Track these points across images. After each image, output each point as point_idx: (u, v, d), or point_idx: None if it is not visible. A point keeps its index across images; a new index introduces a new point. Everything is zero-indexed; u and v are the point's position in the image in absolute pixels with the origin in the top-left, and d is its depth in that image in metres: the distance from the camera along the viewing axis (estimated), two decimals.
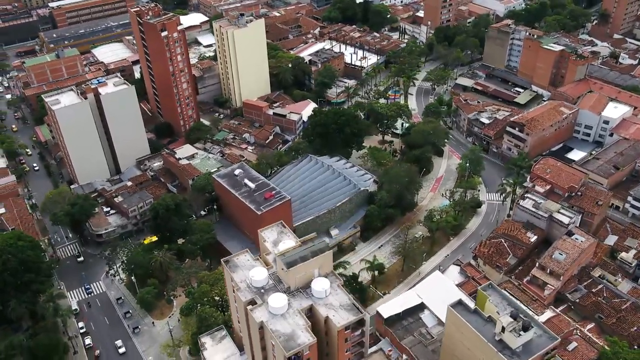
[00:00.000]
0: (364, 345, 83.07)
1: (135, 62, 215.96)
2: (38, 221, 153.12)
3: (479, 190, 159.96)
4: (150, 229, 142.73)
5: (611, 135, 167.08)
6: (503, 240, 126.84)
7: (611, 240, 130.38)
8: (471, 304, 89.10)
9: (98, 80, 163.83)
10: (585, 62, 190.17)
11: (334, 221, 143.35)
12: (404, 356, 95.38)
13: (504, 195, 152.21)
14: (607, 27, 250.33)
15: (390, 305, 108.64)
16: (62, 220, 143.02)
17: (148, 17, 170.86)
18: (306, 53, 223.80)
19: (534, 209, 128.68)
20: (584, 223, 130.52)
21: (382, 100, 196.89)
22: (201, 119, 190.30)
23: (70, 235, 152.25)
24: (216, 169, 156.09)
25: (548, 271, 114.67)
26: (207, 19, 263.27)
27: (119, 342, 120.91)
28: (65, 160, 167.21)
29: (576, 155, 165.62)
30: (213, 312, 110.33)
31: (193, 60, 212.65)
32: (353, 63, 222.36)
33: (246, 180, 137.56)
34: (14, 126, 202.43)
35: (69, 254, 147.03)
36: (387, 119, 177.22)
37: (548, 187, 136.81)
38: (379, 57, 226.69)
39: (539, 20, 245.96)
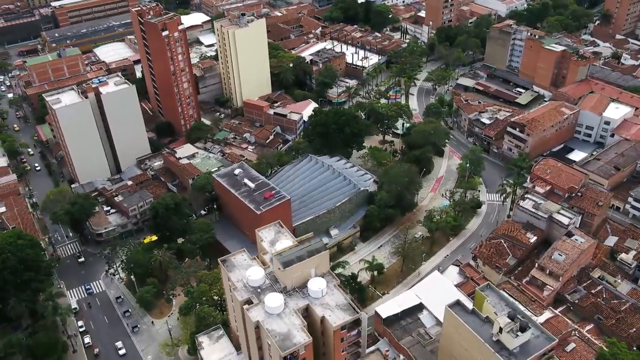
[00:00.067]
0: (360, 345, 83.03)
1: (137, 62, 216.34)
2: (38, 220, 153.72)
3: (479, 191, 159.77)
4: (150, 228, 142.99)
5: (612, 136, 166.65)
6: (503, 241, 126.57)
7: (611, 241, 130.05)
8: (469, 305, 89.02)
9: (99, 80, 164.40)
10: (587, 63, 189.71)
11: (333, 221, 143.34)
12: (402, 356, 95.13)
13: (504, 195, 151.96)
14: (610, 28, 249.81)
15: (388, 306, 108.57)
16: (62, 219, 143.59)
17: (149, 16, 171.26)
18: (307, 53, 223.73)
19: (533, 210, 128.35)
20: (584, 224, 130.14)
21: (383, 100, 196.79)
22: (202, 119, 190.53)
23: (71, 234, 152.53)
24: (216, 169, 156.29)
25: (547, 272, 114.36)
26: (208, 18, 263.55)
27: (119, 344, 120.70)
28: (66, 159, 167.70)
29: (577, 155, 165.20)
30: (212, 311, 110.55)
31: (194, 60, 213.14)
32: (354, 63, 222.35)
33: (246, 180, 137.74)
34: (15, 125, 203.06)
35: (69, 253, 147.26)
36: (388, 119, 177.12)
37: (548, 187, 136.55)
38: (380, 57, 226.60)
39: (541, 20, 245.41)
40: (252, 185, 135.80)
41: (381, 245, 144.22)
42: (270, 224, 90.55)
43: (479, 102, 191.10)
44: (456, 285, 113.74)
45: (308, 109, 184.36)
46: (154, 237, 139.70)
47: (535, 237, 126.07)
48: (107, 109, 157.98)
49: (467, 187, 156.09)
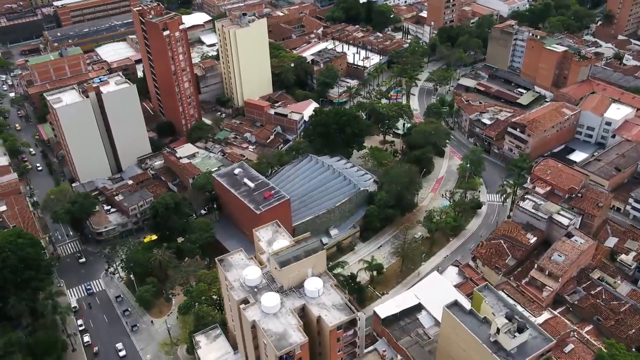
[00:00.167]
0: (356, 345, 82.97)
1: (138, 61, 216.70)
2: (39, 219, 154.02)
3: (479, 191, 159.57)
4: (150, 227, 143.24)
5: (613, 136, 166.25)
6: (502, 242, 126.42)
7: (611, 242, 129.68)
8: (468, 305, 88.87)
9: (100, 79, 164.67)
10: (588, 63, 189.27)
11: (333, 221, 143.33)
12: (399, 356, 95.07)
13: (504, 196, 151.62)
14: (612, 28, 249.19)
15: (387, 306, 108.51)
16: (62, 218, 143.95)
17: (150, 16, 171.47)
18: (309, 53, 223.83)
19: (533, 210, 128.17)
20: (584, 225, 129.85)
21: (384, 101, 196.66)
22: (203, 118, 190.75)
23: (71, 233, 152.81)
24: (217, 168, 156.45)
25: (547, 273, 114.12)
26: (210, 18, 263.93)
27: (119, 345, 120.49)
28: (66, 159, 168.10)
29: (578, 156, 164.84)
30: (210, 310, 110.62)
31: (196, 60, 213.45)
32: (356, 63, 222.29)
33: (246, 180, 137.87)
34: (17, 125, 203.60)
35: (70, 252, 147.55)
36: (389, 119, 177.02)
37: (548, 188, 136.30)
38: (381, 57, 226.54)
39: (543, 20, 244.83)
40: (251, 185, 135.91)
41: (381, 246, 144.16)
42: (268, 223, 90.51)
43: (480, 103, 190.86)
44: (455, 286, 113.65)
45: (309, 109, 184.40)
46: (154, 237, 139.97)
47: (535, 238, 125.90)
48: (108, 109, 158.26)
49: (468, 188, 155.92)
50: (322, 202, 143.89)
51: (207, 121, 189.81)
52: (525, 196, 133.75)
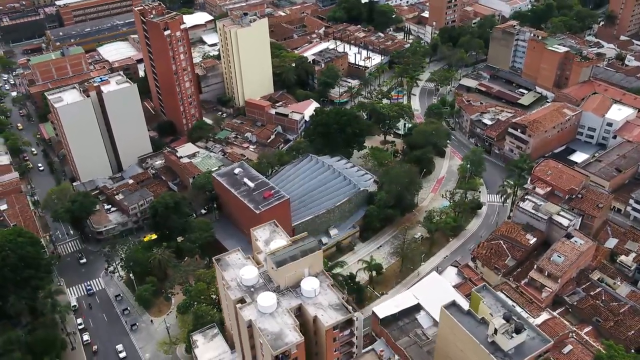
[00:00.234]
0: (353, 345, 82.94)
1: (140, 61, 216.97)
2: (40, 218, 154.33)
3: (479, 192, 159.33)
4: (149, 226, 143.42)
5: (614, 137, 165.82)
6: (502, 242, 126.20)
7: (611, 243, 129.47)
8: (466, 306, 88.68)
9: (101, 79, 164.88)
10: (590, 64, 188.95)
11: (333, 221, 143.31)
12: (397, 356, 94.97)
13: (504, 196, 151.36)
14: (614, 29, 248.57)
15: (386, 306, 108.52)
16: (62, 217, 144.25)
17: (151, 16, 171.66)
18: (310, 53, 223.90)
19: (533, 211, 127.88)
20: (585, 226, 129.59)
21: (385, 101, 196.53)
22: (204, 118, 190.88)
23: (72, 232, 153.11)
24: (217, 168, 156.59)
25: (546, 273, 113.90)
26: (212, 18, 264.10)
27: (119, 347, 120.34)
28: (67, 158, 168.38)
29: (579, 157, 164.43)
30: (209, 310, 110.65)
31: (197, 59, 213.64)
32: (357, 63, 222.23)
33: (245, 179, 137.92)
34: (19, 124, 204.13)
35: (70, 251, 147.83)
36: (389, 119, 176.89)
37: (548, 189, 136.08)
38: (383, 57, 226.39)
39: (545, 21, 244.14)
40: (251, 184, 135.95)
41: (380, 246, 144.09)
42: (265, 223, 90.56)
43: (481, 103, 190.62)
44: (454, 286, 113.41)
45: (310, 108, 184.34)
46: (154, 236, 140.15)
47: (534, 239, 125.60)
48: (109, 108, 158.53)
49: (468, 188, 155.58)
50: (322, 202, 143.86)
51: (208, 121, 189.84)
52: (525, 197, 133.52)
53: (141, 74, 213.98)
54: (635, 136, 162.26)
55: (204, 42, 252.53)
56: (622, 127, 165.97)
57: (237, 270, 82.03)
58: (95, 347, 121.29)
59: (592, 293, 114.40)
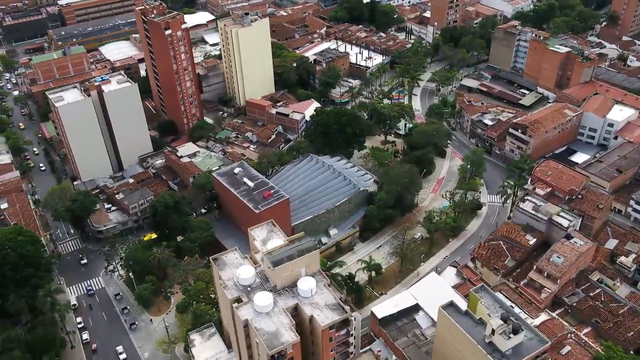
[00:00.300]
0: (349, 344, 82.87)
1: (142, 60, 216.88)
2: (40, 217, 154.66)
3: (480, 192, 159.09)
4: (149, 226, 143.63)
5: (616, 138, 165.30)
6: (502, 243, 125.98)
7: (612, 244, 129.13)
8: (464, 306, 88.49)
9: (102, 78, 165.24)
10: (591, 64, 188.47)
11: (332, 221, 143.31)
12: (394, 357, 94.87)
13: (504, 197, 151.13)
14: (616, 29, 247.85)
15: (384, 306, 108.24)
16: (62, 216, 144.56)
17: (152, 15, 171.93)
18: (311, 52, 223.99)
19: (533, 212, 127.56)
20: (585, 226, 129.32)
21: (386, 101, 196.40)
22: (205, 117, 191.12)
23: (72, 231, 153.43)
24: (217, 168, 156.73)
25: (545, 274, 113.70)
26: (214, 17, 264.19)
27: (119, 348, 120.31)
28: (68, 157, 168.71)
29: (580, 158, 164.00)
30: (208, 309, 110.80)
31: (198, 59, 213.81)
32: (358, 63, 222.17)
33: (245, 179, 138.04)
34: (21, 124, 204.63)
35: (70, 250, 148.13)
36: (390, 119, 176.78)
37: (548, 189, 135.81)
38: (384, 57, 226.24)
39: (547, 21, 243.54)
40: (251, 184, 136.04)
41: (380, 246, 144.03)
42: (263, 222, 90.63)
43: (482, 103, 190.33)
44: (453, 287, 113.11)
45: (310, 108, 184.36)
46: (154, 235, 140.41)
47: (534, 239, 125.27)
48: (110, 107, 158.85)
49: (468, 188, 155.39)
50: (322, 201, 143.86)
51: (209, 120, 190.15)
52: (526, 197, 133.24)
53: (142, 73, 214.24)
54: (636, 137, 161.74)
55: (205, 42, 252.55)
56: (624, 127, 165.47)
57: (234, 269, 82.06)
58: (94, 346, 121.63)
59: (591, 294, 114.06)
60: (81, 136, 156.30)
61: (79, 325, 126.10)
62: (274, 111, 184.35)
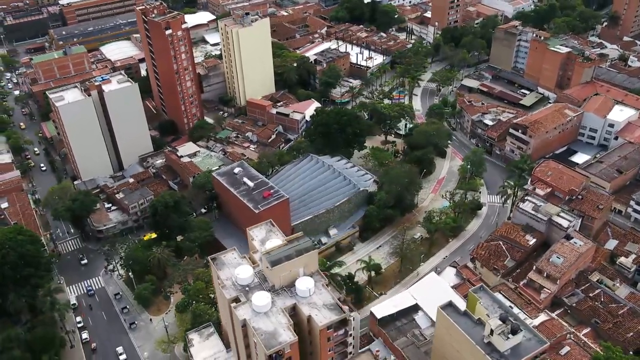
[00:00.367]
0: (347, 344, 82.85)
1: (142, 60, 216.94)
2: (40, 216, 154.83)
3: (480, 192, 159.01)
4: (149, 225, 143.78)
5: (616, 138, 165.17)
6: (501, 243, 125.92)
7: (612, 244, 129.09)
8: (464, 306, 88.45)
9: (102, 78, 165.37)
10: (592, 65, 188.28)
11: (332, 221, 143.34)
12: (393, 357, 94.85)
13: (504, 197, 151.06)
14: (617, 30, 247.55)
15: (384, 306, 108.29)
16: (63, 216, 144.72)
17: (153, 15, 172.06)
18: (312, 52, 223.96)
19: (533, 212, 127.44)
20: (585, 227, 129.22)
21: (386, 101, 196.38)
22: (205, 117, 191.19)
23: (72, 230, 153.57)
24: (217, 167, 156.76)
25: (545, 275, 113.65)
26: (214, 17, 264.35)
27: (119, 349, 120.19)
28: (69, 156, 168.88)
29: (580, 158, 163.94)
30: (207, 309, 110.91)
31: (199, 59, 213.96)
32: (359, 63, 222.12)
33: (245, 179, 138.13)
34: (22, 123, 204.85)
35: (70, 249, 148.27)
36: (390, 119, 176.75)
37: (548, 190, 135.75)
38: (385, 57, 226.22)
39: (548, 21, 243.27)
40: (251, 184, 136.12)
41: (380, 246, 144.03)
42: (262, 222, 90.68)
43: (483, 104, 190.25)
44: (452, 287, 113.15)
45: (311, 108, 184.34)
46: (154, 235, 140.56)
47: (534, 240, 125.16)
48: (110, 107, 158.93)
49: (468, 189, 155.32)
50: (322, 201, 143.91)
51: (210, 120, 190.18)
52: (525, 197, 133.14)
53: (143, 73, 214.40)
54: (637, 137, 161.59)
55: (206, 42, 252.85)
56: (624, 128, 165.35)
57: (233, 269, 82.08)
58: (94, 345, 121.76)
59: (591, 294, 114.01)
60: (81, 136, 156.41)
61: (79, 325, 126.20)
62: (274, 111, 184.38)
